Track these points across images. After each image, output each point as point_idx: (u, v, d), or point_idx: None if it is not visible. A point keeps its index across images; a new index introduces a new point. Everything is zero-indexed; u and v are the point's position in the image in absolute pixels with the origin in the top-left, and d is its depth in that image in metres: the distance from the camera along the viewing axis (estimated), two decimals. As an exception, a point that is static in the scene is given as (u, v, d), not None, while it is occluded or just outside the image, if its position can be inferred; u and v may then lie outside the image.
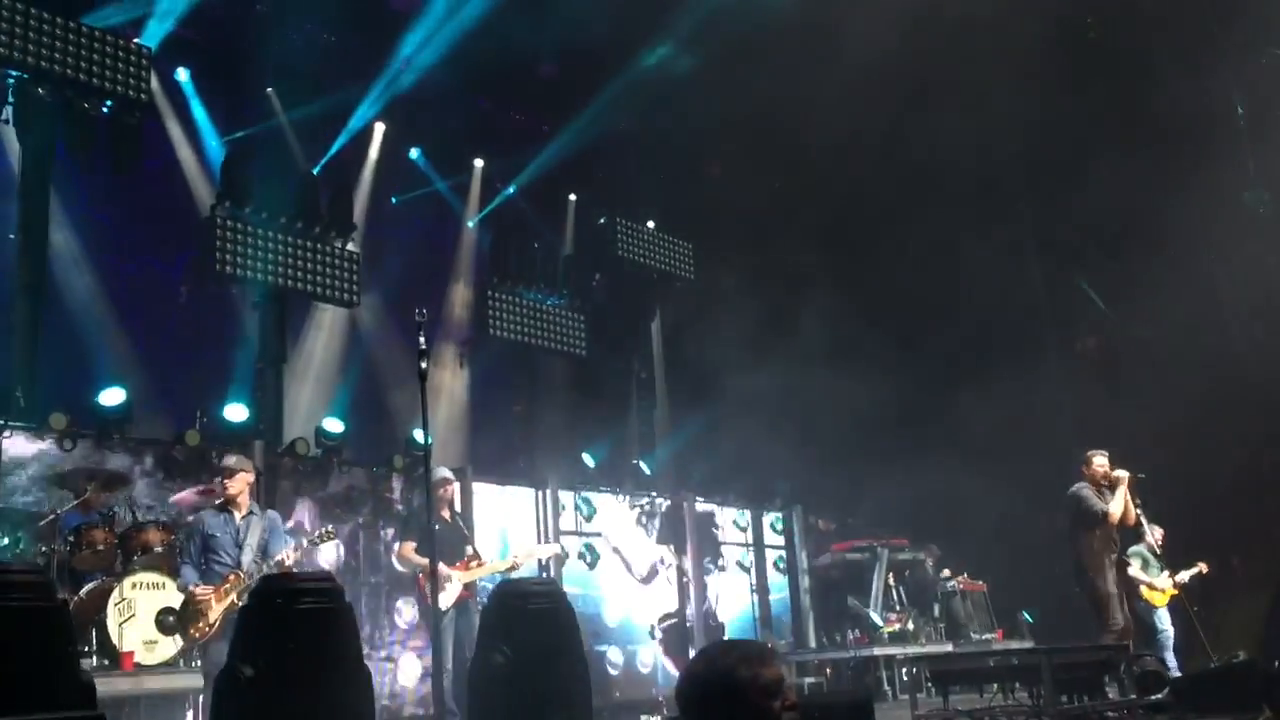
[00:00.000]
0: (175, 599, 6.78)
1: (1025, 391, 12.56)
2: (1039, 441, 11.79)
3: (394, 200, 12.29)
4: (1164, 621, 9.59)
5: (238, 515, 6.95)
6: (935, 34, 10.65)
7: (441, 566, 7.45)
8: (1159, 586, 9.62)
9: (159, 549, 7.09)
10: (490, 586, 6.71)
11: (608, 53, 11.59)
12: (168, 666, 6.69)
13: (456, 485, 8.13)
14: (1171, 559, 9.70)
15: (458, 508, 8.27)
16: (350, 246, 10.71)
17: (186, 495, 7.93)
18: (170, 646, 6.73)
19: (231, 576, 6.66)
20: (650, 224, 13.45)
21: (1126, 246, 12.45)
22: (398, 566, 8.55)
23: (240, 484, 6.99)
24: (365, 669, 3.87)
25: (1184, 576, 9.79)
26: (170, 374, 9.37)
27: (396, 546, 8.25)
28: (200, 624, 6.54)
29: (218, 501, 7.03)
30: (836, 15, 10.58)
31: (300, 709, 3.53)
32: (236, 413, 8.82)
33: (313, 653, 3.63)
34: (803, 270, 12.76)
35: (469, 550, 7.78)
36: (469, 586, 7.57)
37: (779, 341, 12.15)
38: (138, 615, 6.65)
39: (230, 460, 7.20)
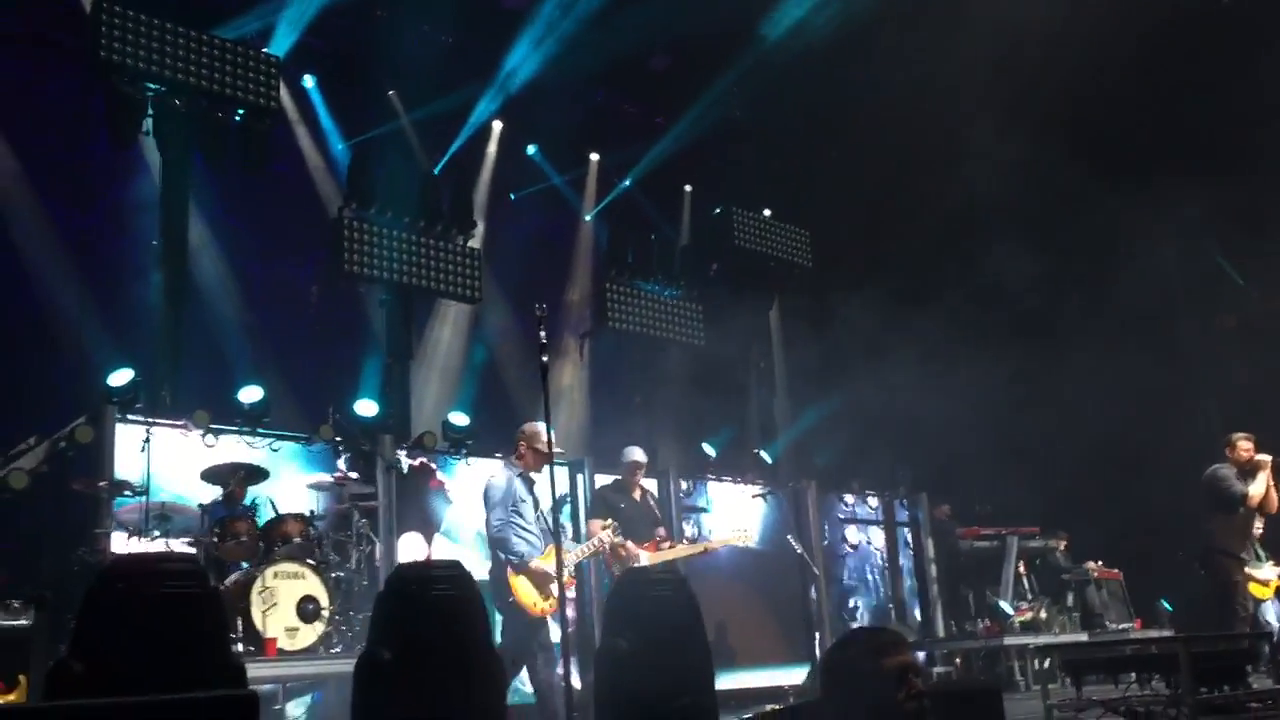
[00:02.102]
0: (315, 588, 7.05)
1: (1161, 372, 12.16)
2: (1177, 423, 11.41)
3: (512, 197, 12.51)
4: (1269, 615, 9.07)
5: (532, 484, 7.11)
6: (1064, 8, 10.37)
7: (630, 545, 7.60)
8: (1261, 579, 9.07)
9: (297, 539, 7.37)
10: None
11: (719, 42, 11.58)
12: (309, 653, 6.95)
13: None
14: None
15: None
16: (472, 243, 10.94)
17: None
18: (310, 634, 6.99)
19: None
20: (766, 212, 13.39)
21: (1267, 219, 11.94)
22: None
23: (524, 448, 7.10)
24: (495, 653, 3.99)
25: None
26: (303, 371, 9.72)
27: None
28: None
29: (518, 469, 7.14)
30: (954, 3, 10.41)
31: (435, 691, 3.66)
32: (366, 408, 9.09)
33: (445, 638, 3.76)
34: (925, 254, 12.56)
35: (660, 531, 7.90)
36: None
37: (900, 327, 11.99)
38: (279, 603, 6.91)
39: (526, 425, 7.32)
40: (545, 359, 6.07)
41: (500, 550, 6.76)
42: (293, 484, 8.55)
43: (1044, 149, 11.25)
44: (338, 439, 8.79)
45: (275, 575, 6.97)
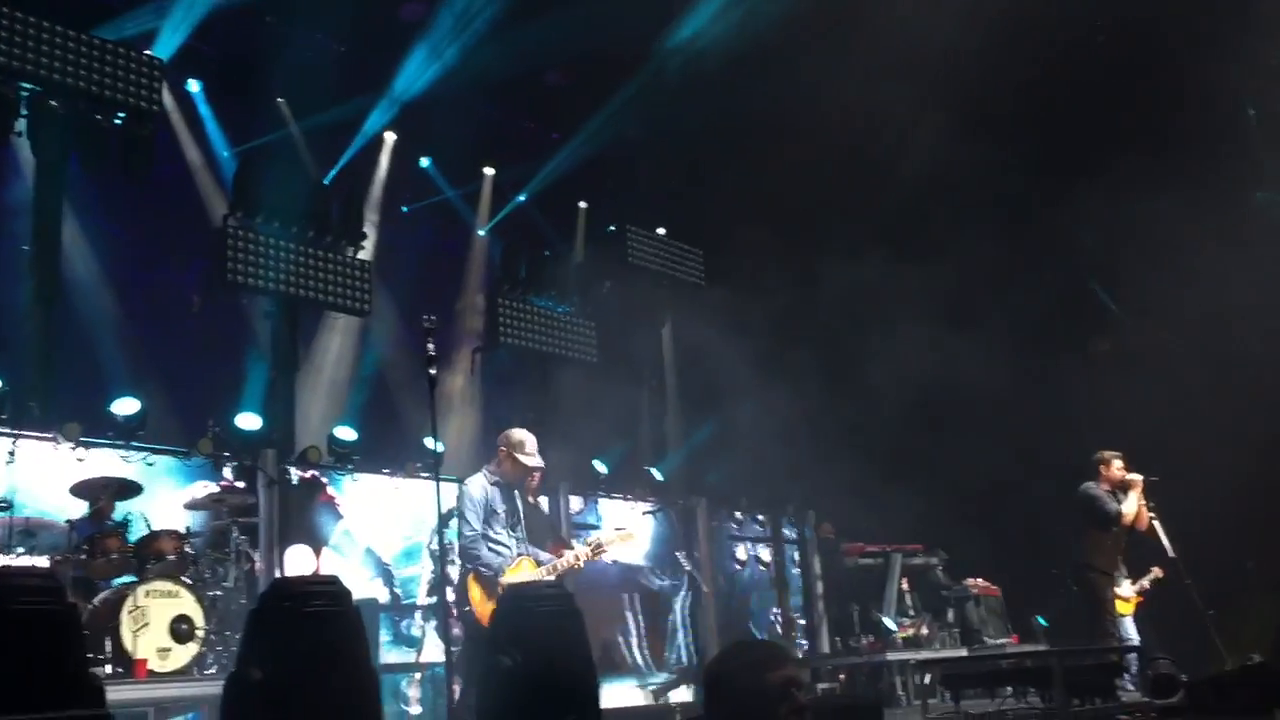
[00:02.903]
0: (189, 606, 6.81)
1: (1038, 394, 12.53)
2: (1054, 444, 11.74)
3: (405, 209, 12.36)
4: (1129, 631, 9.39)
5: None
6: (945, 38, 10.66)
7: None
8: (1124, 595, 9.42)
9: (171, 557, 7.12)
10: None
11: (616, 59, 11.63)
12: (182, 675, 6.71)
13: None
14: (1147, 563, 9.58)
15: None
16: (362, 255, 10.76)
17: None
18: (184, 655, 6.76)
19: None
20: (661, 231, 13.46)
21: (1140, 248, 12.41)
22: None
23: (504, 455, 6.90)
24: (373, 671, 3.90)
25: (1145, 583, 9.64)
26: (183, 383, 9.43)
27: None
28: None
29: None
30: (844, 21, 10.63)
31: (307, 711, 3.55)
32: (248, 421, 8.86)
33: (320, 655, 3.65)
34: (815, 274, 12.74)
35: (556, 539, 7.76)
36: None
37: (791, 347, 12.14)
38: (151, 623, 6.66)
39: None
40: (433, 371, 5.98)
41: (469, 562, 6.57)
42: (168, 499, 8.28)
43: (940, 167, 11.55)
44: (224, 453, 8.56)
45: (147, 594, 6.71)
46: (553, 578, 6.63)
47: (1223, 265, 11.17)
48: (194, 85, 10.59)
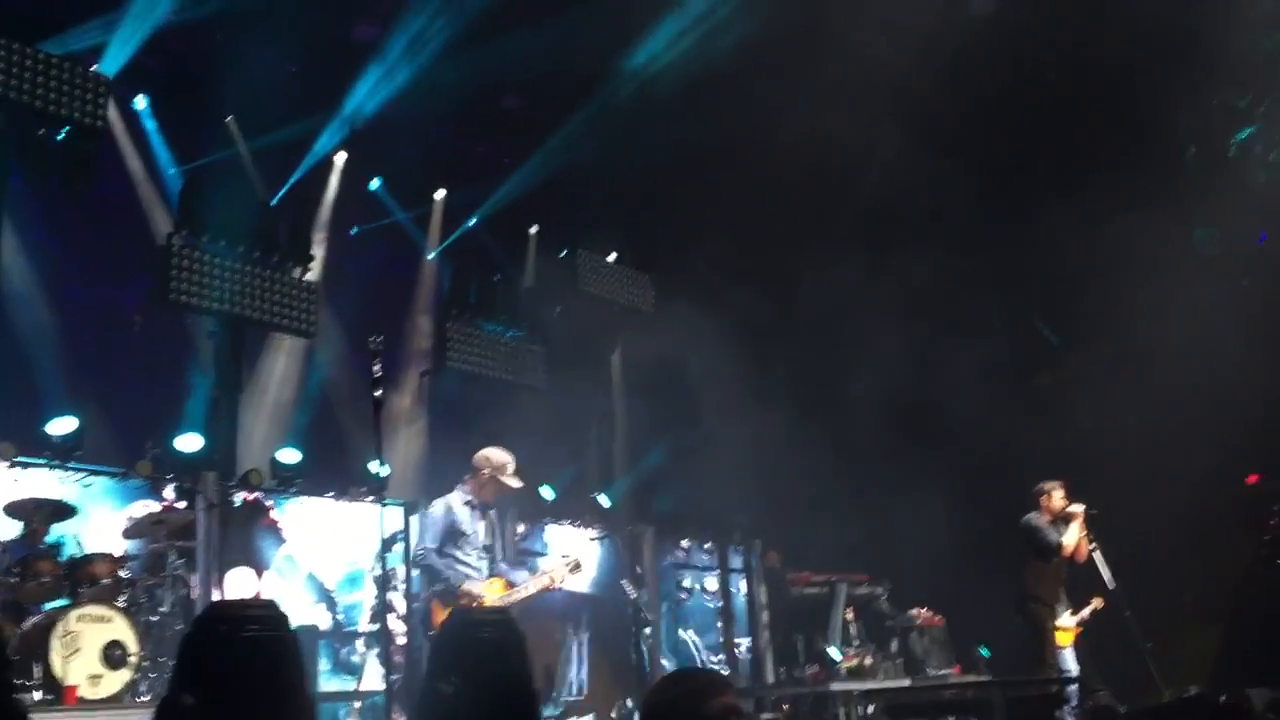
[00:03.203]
0: (123, 632, 6.66)
1: (986, 425, 12.67)
2: (997, 476, 11.87)
3: (354, 231, 12.26)
4: (1068, 662, 9.44)
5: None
6: (891, 73, 10.82)
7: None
8: (1064, 626, 9.50)
9: (106, 580, 6.96)
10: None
11: (570, 84, 11.66)
12: (113, 702, 6.55)
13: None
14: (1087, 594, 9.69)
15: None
16: (309, 276, 10.65)
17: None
18: (116, 681, 6.59)
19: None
20: (611, 256, 13.46)
21: (1080, 284, 12.62)
22: None
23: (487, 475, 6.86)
24: (310, 700, 3.82)
25: (1085, 614, 9.73)
26: (122, 402, 9.28)
27: None
28: None
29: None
30: (798, 51, 10.76)
31: (241, 739, 3.47)
32: (189, 442, 8.70)
33: (255, 682, 3.56)
34: (764, 304, 12.81)
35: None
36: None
37: (739, 375, 12.18)
38: (83, 649, 6.49)
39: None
40: (379, 394, 5.93)
41: (423, 574, 6.50)
42: (105, 521, 8.11)
43: (891, 193, 11.68)
44: (164, 475, 8.41)
45: (79, 619, 6.54)
46: (523, 597, 6.59)
47: (1162, 301, 11.39)
48: (141, 101, 10.46)
